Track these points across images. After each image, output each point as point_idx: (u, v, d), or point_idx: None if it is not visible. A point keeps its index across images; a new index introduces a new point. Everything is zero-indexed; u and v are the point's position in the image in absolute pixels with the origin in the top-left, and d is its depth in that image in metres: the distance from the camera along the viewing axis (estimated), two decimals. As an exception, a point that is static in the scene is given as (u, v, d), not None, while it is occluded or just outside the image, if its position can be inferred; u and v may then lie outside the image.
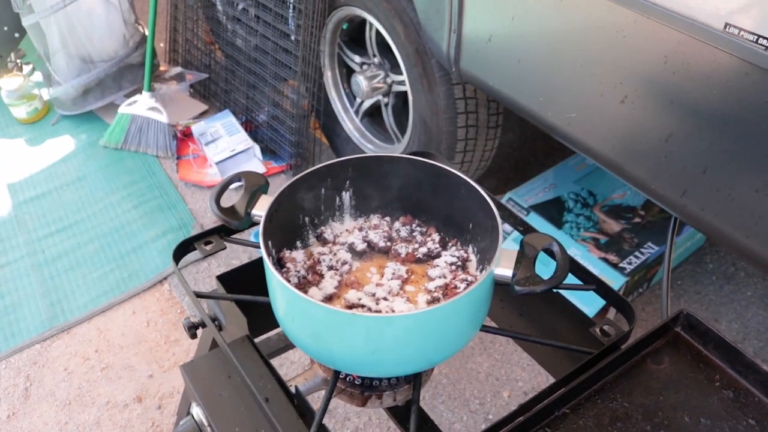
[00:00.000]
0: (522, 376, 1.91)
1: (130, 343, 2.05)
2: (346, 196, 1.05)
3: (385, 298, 0.93)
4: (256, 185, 0.96)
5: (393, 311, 0.89)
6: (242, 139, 2.65)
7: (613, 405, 0.83)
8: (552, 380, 1.04)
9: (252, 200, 0.94)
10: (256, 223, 0.93)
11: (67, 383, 1.95)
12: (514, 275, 0.83)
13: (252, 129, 2.77)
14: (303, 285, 0.95)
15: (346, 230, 1.06)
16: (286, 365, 1.93)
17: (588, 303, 1.86)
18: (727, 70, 1.16)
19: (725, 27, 1.12)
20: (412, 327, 0.79)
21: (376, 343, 0.80)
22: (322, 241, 1.04)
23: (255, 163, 2.65)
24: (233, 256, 2.27)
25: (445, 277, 0.95)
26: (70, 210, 2.54)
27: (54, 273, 2.28)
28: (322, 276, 0.97)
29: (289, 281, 0.98)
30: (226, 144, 2.64)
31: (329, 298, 0.95)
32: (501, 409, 1.83)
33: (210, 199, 0.94)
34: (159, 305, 2.17)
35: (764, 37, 1.08)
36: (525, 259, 0.84)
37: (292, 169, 2.63)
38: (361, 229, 1.04)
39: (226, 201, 0.95)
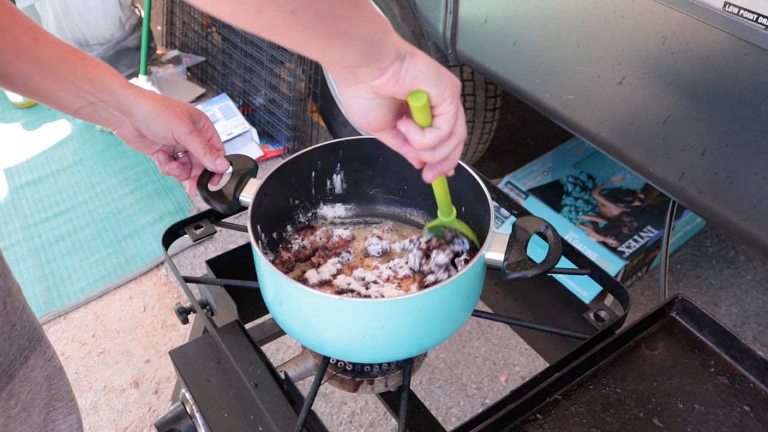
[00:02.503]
0: (519, 360, 1.90)
1: (127, 328, 2.05)
2: (337, 179, 1.04)
3: (375, 281, 0.92)
4: (244, 168, 0.95)
5: (383, 296, 0.88)
6: (239, 123, 2.64)
7: (606, 391, 0.82)
8: (548, 365, 1.03)
9: (240, 184, 0.93)
10: (245, 207, 0.92)
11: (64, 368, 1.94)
12: (505, 259, 0.81)
13: (249, 112, 2.75)
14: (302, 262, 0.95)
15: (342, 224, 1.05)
16: (283, 350, 1.93)
17: (585, 287, 1.85)
18: (726, 51, 1.13)
19: (724, 6, 1.10)
20: (401, 312, 0.78)
21: (365, 328, 0.79)
22: (311, 225, 1.03)
23: (252, 146, 2.63)
24: (230, 241, 2.26)
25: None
26: (66, 195, 2.52)
27: (50, 258, 2.27)
28: (324, 258, 0.97)
29: (286, 263, 0.97)
30: (223, 128, 2.62)
31: (325, 283, 0.94)
32: (498, 394, 1.82)
33: (191, 183, 0.92)
34: (156, 290, 2.16)
35: (764, 16, 1.06)
36: (517, 243, 0.83)
37: (289, 152, 2.61)
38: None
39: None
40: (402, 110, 0.72)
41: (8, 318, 0.79)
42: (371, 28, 0.60)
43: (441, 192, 0.85)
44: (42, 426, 0.86)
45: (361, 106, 0.68)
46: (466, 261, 0.92)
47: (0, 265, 0.79)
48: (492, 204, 0.87)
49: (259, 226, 0.92)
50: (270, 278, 0.83)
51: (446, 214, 0.88)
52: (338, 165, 1.02)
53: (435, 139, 0.70)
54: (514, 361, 1.90)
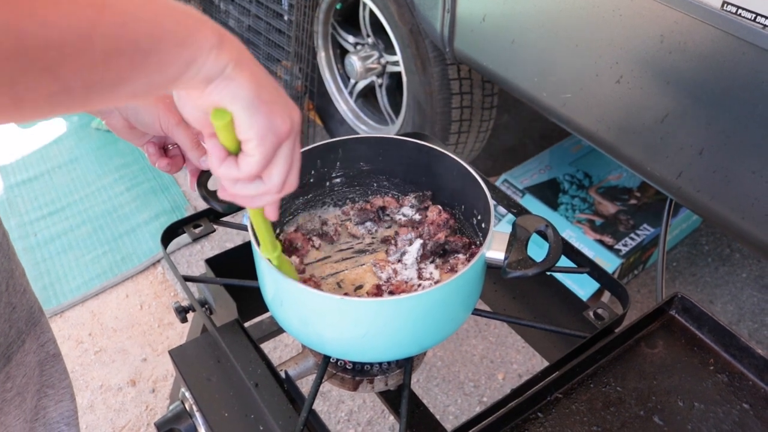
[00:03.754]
0: (517, 358, 1.91)
1: (124, 327, 2.04)
2: (337, 177, 1.03)
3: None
4: (244, 167, 0.94)
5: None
6: (235, 121, 2.63)
7: (606, 389, 0.82)
8: (547, 364, 1.03)
9: (240, 183, 0.92)
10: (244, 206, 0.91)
11: (61, 367, 1.94)
12: (506, 258, 0.81)
13: (245, 110, 2.74)
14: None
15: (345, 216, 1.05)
16: (280, 348, 1.93)
17: (583, 285, 1.86)
18: (724, 50, 1.14)
19: (723, 5, 1.10)
20: (401, 311, 0.78)
21: (366, 327, 0.79)
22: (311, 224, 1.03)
23: (248, 145, 2.62)
24: (227, 239, 2.25)
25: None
26: (62, 192, 2.52)
27: (46, 256, 2.26)
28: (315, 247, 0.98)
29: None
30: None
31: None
32: (495, 392, 1.82)
33: (192, 181, 0.91)
34: (152, 288, 2.16)
35: (762, 15, 1.06)
36: (517, 241, 0.83)
37: (285, 151, 2.60)
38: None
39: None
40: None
41: (9, 300, 0.79)
42: (160, 74, 0.50)
43: (257, 223, 0.74)
44: (33, 412, 0.86)
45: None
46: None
47: (5, 247, 0.78)
48: (492, 203, 0.87)
49: (259, 225, 0.92)
50: (270, 277, 0.83)
51: (268, 251, 0.78)
52: (337, 163, 1.02)
53: (228, 175, 0.61)
54: (511, 359, 1.91)
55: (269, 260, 0.79)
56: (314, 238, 1.00)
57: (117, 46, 0.45)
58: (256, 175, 0.60)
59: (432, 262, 0.96)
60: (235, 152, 0.60)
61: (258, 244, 0.79)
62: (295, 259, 0.96)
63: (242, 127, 0.56)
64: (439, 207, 0.99)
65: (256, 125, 0.56)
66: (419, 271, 0.94)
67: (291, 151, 0.60)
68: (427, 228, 0.98)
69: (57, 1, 0.41)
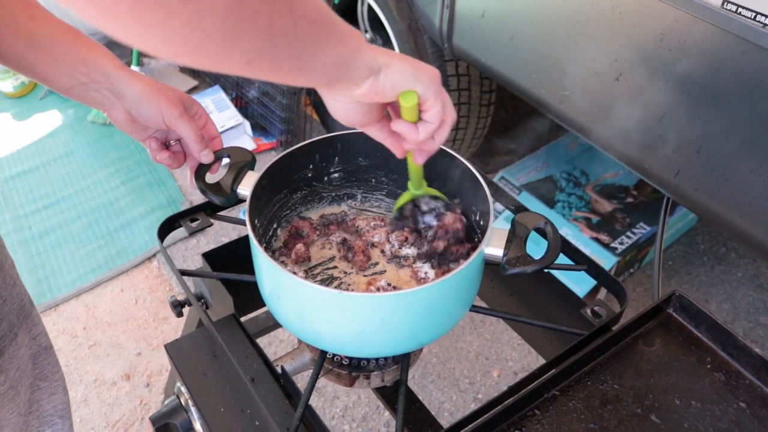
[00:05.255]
0: (512, 355, 1.91)
1: (119, 321, 2.04)
2: (335, 172, 1.03)
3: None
4: (242, 161, 0.94)
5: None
6: (232, 115, 2.62)
7: (604, 387, 0.82)
8: (542, 361, 1.03)
9: (238, 176, 0.92)
10: (243, 200, 0.91)
11: (55, 360, 1.93)
12: (504, 255, 0.81)
13: (242, 105, 2.73)
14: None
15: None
16: (275, 343, 1.92)
17: (579, 282, 1.86)
18: (724, 48, 1.14)
19: (723, 4, 1.10)
20: (400, 307, 0.78)
21: (364, 323, 0.78)
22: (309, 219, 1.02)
23: (245, 139, 2.62)
24: (222, 233, 2.25)
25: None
26: (57, 186, 2.50)
27: (41, 249, 2.25)
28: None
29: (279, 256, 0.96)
30: (216, 120, 2.60)
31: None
32: (491, 389, 1.82)
33: (191, 175, 0.91)
34: (147, 282, 2.15)
35: (762, 14, 1.06)
36: (516, 238, 0.83)
37: (282, 145, 2.60)
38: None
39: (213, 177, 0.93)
40: (385, 105, 0.76)
41: (0, 293, 0.78)
42: (336, 57, 0.63)
43: (417, 168, 0.88)
44: (27, 405, 0.86)
45: (341, 108, 0.72)
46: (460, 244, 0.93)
47: None
48: (491, 200, 0.87)
49: (256, 220, 0.91)
50: (268, 272, 0.83)
51: (418, 188, 0.92)
52: (336, 158, 1.02)
53: (428, 133, 0.75)
54: (506, 356, 1.91)
55: (420, 195, 0.92)
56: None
57: (320, 16, 0.58)
58: (443, 120, 0.74)
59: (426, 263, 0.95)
60: (415, 121, 0.74)
61: (418, 181, 0.90)
62: (300, 246, 0.96)
63: (420, 93, 0.70)
64: (460, 216, 0.95)
65: (428, 86, 0.70)
66: (415, 271, 0.94)
67: (442, 89, 0.74)
68: (433, 231, 0.95)
69: None
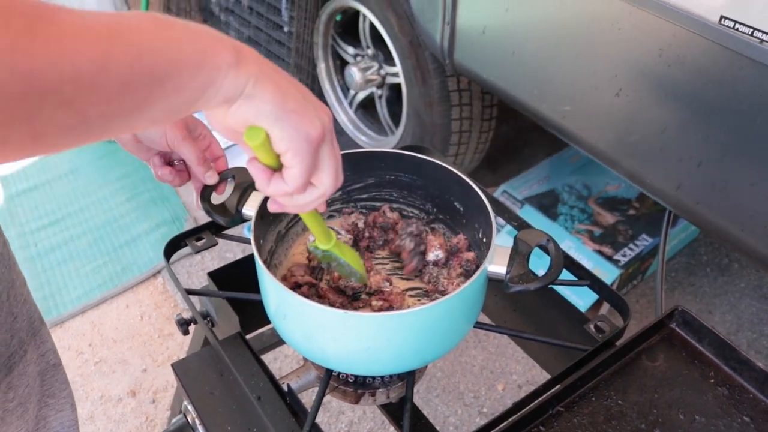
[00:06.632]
0: (516, 369, 1.91)
1: (124, 337, 2.04)
2: (338, 192, 1.04)
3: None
4: (247, 181, 0.95)
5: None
6: (235, 131, 2.63)
7: (608, 403, 0.83)
8: (546, 374, 1.03)
9: (243, 197, 0.93)
10: (248, 220, 0.92)
11: (60, 378, 1.94)
12: (507, 272, 0.82)
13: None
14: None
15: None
16: (280, 359, 1.93)
17: (581, 296, 1.86)
18: (722, 64, 1.15)
19: (720, 20, 1.12)
20: (405, 325, 0.78)
21: (369, 341, 0.79)
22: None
23: (248, 155, 2.63)
24: (227, 249, 2.26)
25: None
26: (62, 202, 2.52)
27: (47, 266, 2.26)
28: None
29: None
30: (219, 137, 2.61)
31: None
32: (495, 403, 1.83)
33: (197, 196, 0.92)
34: (153, 299, 2.16)
35: (760, 30, 1.07)
36: (519, 255, 0.84)
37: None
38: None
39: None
40: None
41: (11, 309, 0.79)
42: (178, 99, 0.50)
43: (309, 220, 0.76)
44: (35, 422, 0.86)
45: (211, 118, 0.60)
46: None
47: (6, 256, 0.79)
48: (494, 218, 0.88)
49: (262, 240, 0.92)
50: (274, 292, 0.84)
51: (324, 242, 0.81)
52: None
53: (278, 191, 0.62)
54: (511, 369, 1.91)
55: (329, 251, 0.81)
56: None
57: (131, 76, 0.45)
58: (305, 185, 0.61)
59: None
60: (278, 168, 0.60)
61: (319, 236, 0.80)
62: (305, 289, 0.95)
63: (276, 142, 0.57)
64: (465, 240, 0.98)
65: (288, 137, 0.56)
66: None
67: (331, 149, 0.61)
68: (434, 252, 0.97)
69: (62, 38, 0.41)
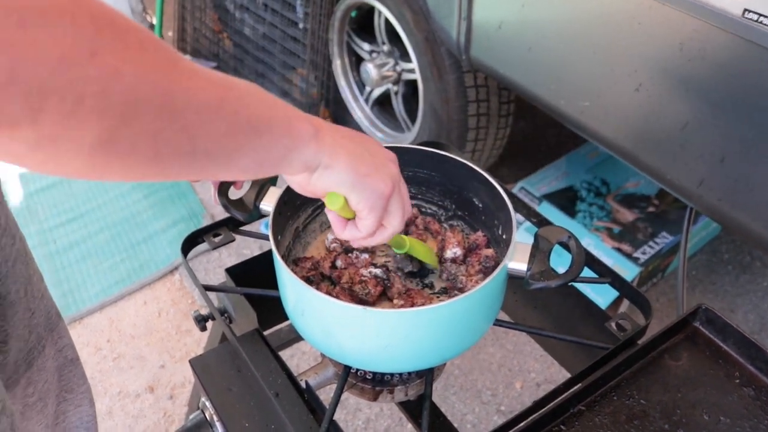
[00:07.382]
0: (534, 367, 1.89)
1: (142, 333, 2.06)
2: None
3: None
4: (264, 177, 0.95)
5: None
6: (252, 129, 2.64)
7: (630, 402, 0.81)
8: (564, 372, 1.02)
9: (261, 192, 0.93)
10: (266, 216, 0.92)
11: (79, 373, 1.95)
12: (528, 269, 0.81)
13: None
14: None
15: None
16: (297, 356, 1.93)
17: (602, 294, 1.84)
18: (745, 57, 1.13)
19: (743, 13, 1.10)
20: (424, 322, 0.78)
21: (388, 338, 0.79)
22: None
23: (265, 152, 2.63)
24: (244, 246, 2.26)
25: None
26: (80, 200, 2.54)
27: (65, 263, 2.28)
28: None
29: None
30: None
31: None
32: (513, 401, 1.81)
33: (214, 192, 0.92)
34: (170, 295, 2.17)
35: (785, 23, 1.05)
36: (539, 252, 0.82)
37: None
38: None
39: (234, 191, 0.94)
40: None
41: (28, 305, 0.80)
42: (258, 160, 0.57)
43: (420, 251, 0.87)
44: (54, 417, 0.87)
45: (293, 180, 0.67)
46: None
47: (23, 253, 0.80)
48: (514, 214, 0.87)
49: (280, 236, 0.92)
50: (292, 288, 0.83)
51: (400, 249, 0.85)
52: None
53: (353, 237, 0.71)
54: (529, 367, 1.89)
55: (404, 252, 0.86)
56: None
57: (237, 121, 0.52)
58: (376, 230, 0.70)
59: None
60: (352, 218, 0.70)
61: (393, 245, 0.84)
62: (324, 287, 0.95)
63: (353, 203, 0.66)
64: (484, 237, 0.97)
65: (364, 199, 0.65)
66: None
67: (399, 198, 0.69)
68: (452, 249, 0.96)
69: (194, 75, 0.49)
